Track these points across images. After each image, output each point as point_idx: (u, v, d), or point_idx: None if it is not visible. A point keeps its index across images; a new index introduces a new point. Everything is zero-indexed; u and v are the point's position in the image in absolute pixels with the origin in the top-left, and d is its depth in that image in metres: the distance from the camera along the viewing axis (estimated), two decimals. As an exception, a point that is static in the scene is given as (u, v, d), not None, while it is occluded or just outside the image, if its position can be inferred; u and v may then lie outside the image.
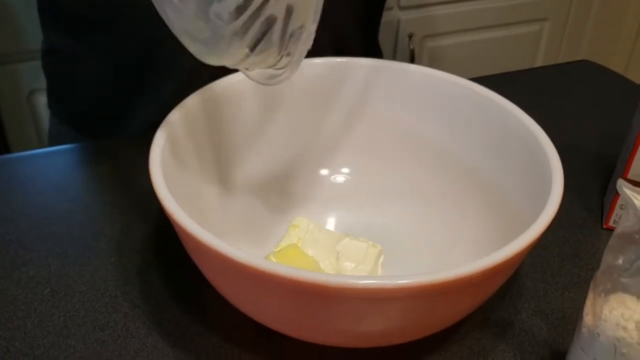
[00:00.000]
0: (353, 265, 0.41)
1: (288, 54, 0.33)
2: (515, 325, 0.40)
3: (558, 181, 0.35)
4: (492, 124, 0.42)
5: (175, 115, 0.39)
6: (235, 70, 0.43)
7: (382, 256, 0.43)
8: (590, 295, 0.33)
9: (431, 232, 0.44)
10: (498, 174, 0.42)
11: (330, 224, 0.44)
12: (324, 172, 0.48)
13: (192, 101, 0.41)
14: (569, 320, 0.41)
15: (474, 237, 0.42)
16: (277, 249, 0.41)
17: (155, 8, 0.32)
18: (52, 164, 0.53)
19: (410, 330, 0.35)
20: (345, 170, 0.48)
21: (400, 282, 0.29)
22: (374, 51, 0.69)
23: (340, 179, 0.48)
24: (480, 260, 0.31)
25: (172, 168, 0.37)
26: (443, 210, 0.44)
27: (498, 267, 0.31)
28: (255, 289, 0.32)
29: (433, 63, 1.25)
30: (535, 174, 0.38)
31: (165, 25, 0.33)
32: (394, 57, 1.24)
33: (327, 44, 0.61)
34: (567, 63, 0.75)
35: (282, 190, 0.46)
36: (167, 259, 0.43)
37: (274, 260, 0.38)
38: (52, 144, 0.66)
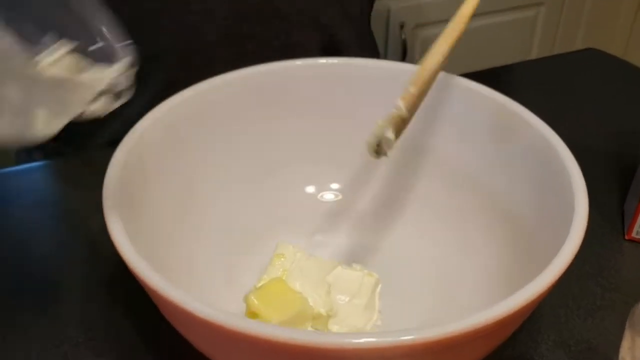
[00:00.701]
0: (347, 299, 0.36)
1: None
2: (534, 361, 0.35)
3: (582, 204, 0.30)
4: (504, 134, 0.37)
5: (131, 140, 0.34)
6: (202, 78, 0.38)
7: (380, 285, 0.37)
8: (627, 335, 0.28)
9: (434, 258, 0.39)
10: (512, 192, 0.36)
11: (319, 250, 0.39)
12: (310, 189, 0.43)
13: (148, 122, 0.35)
14: (595, 352, 0.35)
15: (483, 262, 0.37)
16: (260, 283, 0.36)
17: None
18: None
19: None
20: (334, 186, 0.43)
21: (403, 338, 0.24)
22: (369, 46, 0.64)
23: (329, 196, 0.43)
24: (496, 306, 0.25)
25: (130, 204, 0.32)
26: (448, 231, 0.39)
27: (518, 312, 0.26)
28: (234, 351, 0.27)
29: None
30: (554, 192, 0.33)
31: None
32: (385, 49, 1.18)
33: (317, 45, 0.56)
34: (570, 53, 0.69)
35: (262, 213, 0.41)
36: (135, 298, 0.38)
37: (255, 301, 0.33)
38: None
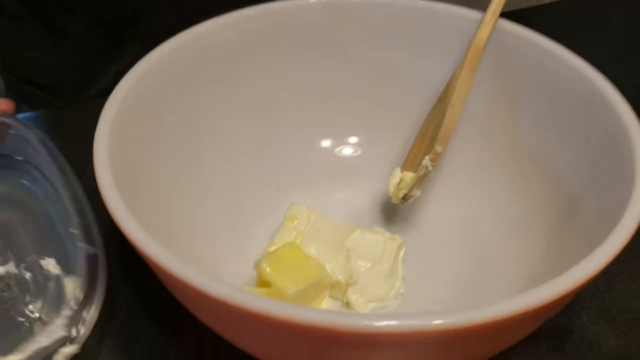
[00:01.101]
0: (368, 266, 0.32)
1: None
2: (575, 333, 0.32)
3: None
4: (546, 83, 0.32)
5: (125, 86, 0.30)
6: (204, 19, 0.34)
7: (403, 250, 0.34)
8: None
9: (463, 221, 0.35)
10: (555, 151, 0.32)
11: (337, 211, 0.35)
12: (326, 143, 0.39)
13: (142, 68, 0.31)
14: (640, 323, 0.32)
15: (519, 229, 0.33)
16: (271, 248, 0.32)
17: None
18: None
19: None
20: (353, 139, 0.39)
21: (435, 322, 0.20)
22: None
23: (347, 151, 0.39)
24: (543, 287, 0.22)
25: (125, 161, 0.28)
26: (480, 192, 0.35)
27: (566, 296, 0.22)
28: (243, 329, 0.24)
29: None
30: (607, 152, 0.29)
31: None
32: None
33: None
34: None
35: (272, 171, 0.37)
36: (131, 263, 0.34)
37: (268, 268, 0.30)
38: None
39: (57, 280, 0.28)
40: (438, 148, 0.32)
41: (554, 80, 0.32)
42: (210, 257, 0.32)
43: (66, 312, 0.27)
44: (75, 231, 0.29)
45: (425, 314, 0.21)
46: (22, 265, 0.32)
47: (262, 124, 0.37)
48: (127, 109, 0.29)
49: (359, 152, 0.39)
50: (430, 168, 0.33)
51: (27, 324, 0.29)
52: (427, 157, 0.32)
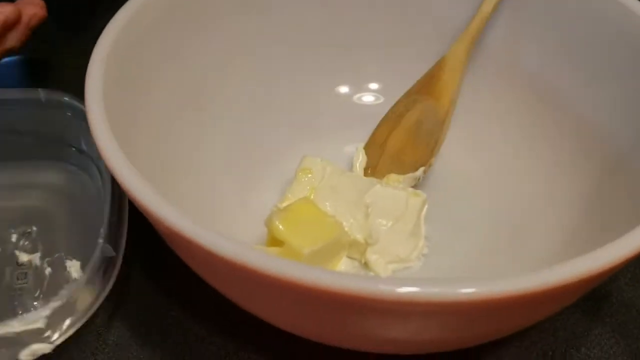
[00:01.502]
0: (389, 224, 0.29)
1: None
2: (612, 297, 0.29)
3: None
4: (587, 22, 0.29)
5: (117, 25, 0.26)
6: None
7: (426, 207, 0.31)
8: None
9: (492, 178, 0.32)
10: (597, 101, 0.29)
11: (356, 164, 0.32)
12: (344, 89, 0.35)
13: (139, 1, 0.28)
14: (682, 288, 0.30)
15: (555, 190, 0.30)
16: (283, 203, 0.30)
17: None
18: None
19: (470, 340, 0.24)
20: (373, 86, 0.36)
21: (463, 291, 0.18)
22: None
23: (367, 98, 0.36)
24: (583, 258, 0.19)
25: (121, 107, 0.25)
26: (512, 148, 0.32)
27: (610, 269, 0.20)
28: (254, 290, 0.21)
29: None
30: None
31: None
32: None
33: None
34: None
35: (284, 120, 0.33)
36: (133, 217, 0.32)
37: (280, 226, 0.27)
38: None
39: (75, 285, 0.26)
40: (433, 160, 0.32)
41: (598, 18, 0.29)
42: (214, 211, 0.30)
43: (51, 308, 0.25)
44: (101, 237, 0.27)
45: (454, 281, 0.18)
46: (47, 259, 0.30)
47: (273, 67, 0.33)
48: (122, 47, 0.26)
49: (381, 100, 0.35)
50: (421, 179, 0.32)
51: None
52: (421, 169, 0.32)
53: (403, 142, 0.32)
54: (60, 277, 0.29)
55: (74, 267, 0.29)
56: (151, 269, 0.30)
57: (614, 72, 0.28)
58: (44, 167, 0.33)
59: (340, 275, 0.18)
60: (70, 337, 0.27)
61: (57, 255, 0.30)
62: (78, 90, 0.26)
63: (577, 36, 0.29)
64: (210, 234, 0.19)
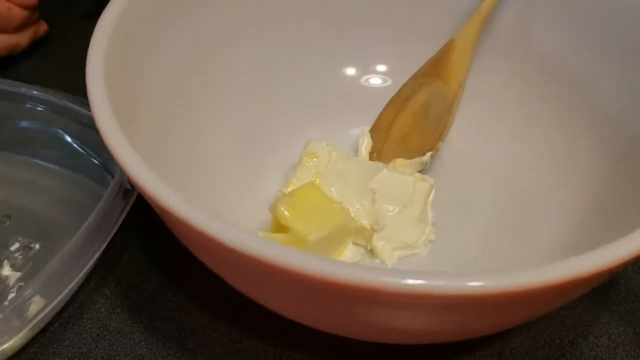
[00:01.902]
0: (396, 210, 0.29)
1: None
2: (620, 285, 0.29)
3: None
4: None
5: (117, 8, 0.25)
6: None
7: (433, 192, 0.31)
8: None
9: (500, 158, 0.32)
10: (610, 87, 0.28)
11: (361, 148, 0.32)
12: (351, 71, 0.34)
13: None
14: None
15: (559, 165, 0.30)
16: (288, 188, 0.29)
17: None
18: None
19: (477, 331, 0.23)
20: (381, 67, 0.35)
21: (472, 284, 0.17)
22: None
23: (375, 80, 0.35)
24: (597, 252, 0.19)
25: (122, 91, 0.24)
26: (524, 134, 0.31)
27: (623, 263, 0.19)
28: (258, 279, 0.21)
29: None
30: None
31: None
32: None
33: None
34: None
35: (288, 102, 0.33)
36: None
37: (286, 212, 0.26)
38: None
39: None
40: (441, 145, 0.31)
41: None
42: (219, 196, 0.29)
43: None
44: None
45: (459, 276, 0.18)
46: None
47: (278, 46, 0.32)
48: (124, 25, 0.25)
49: (389, 82, 0.34)
50: (428, 164, 0.31)
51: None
52: (428, 154, 0.31)
53: (409, 126, 0.32)
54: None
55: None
56: (154, 255, 0.30)
57: (631, 57, 0.27)
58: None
59: (346, 266, 0.18)
60: (70, 324, 0.27)
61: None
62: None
63: (594, 19, 0.29)
64: (214, 222, 0.19)
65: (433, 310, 0.20)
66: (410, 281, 0.17)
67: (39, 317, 0.25)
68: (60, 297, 0.26)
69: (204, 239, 0.19)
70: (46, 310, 0.25)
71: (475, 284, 0.17)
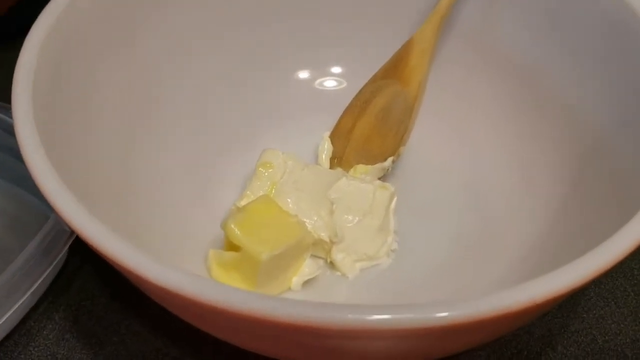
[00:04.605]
0: (356, 220, 0.27)
1: None
2: (590, 290, 0.28)
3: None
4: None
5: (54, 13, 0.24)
6: None
7: (395, 199, 0.29)
8: None
9: (462, 162, 0.30)
10: (578, 85, 0.27)
11: (321, 155, 0.30)
12: (304, 74, 0.33)
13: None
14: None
15: (524, 167, 0.29)
16: (242, 201, 0.28)
17: None
18: None
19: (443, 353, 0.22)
20: (336, 69, 0.33)
21: (439, 315, 0.17)
22: None
23: (329, 84, 0.33)
24: (566, 268, 0.18)
25: (56, 99, 0.23)
26: (488, 135, 0.30)
27: (593, 278, 0.18)
28: (200, 316, 0.20)
29: None
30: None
31: None
32: None
33: None
34: None
35: (240, 110, 0.31)
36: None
37: (237, 230, 0.25)
38: None
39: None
40: (402, 149, 0.30)
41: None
42: (168, 211, 0.28)
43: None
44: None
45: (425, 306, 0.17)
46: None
47: (225, 50, 0.31)
48: (57, 41, 0.24)
49: (344, 84, 0.33)
50: (390, 169, 0.30)
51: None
52: (390, 159, 0.30)
53: (370, 131, 0.30)
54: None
55: None
56: (104, 278, 0.28)
57: (600, 53, 0.26)
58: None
59: (298, 305, 0.17)
60: (15, 352, 0.26)
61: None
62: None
63: (563, 14, 0.27)
64: (140, 258, 0.17)
65: (390, 341, 0.19)
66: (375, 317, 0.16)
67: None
68: (-1, 324, 0.24)
69: (133, 277, 0.18)
70: None
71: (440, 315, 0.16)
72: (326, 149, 0.30)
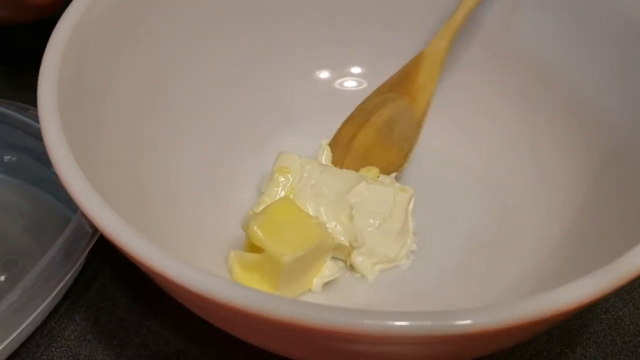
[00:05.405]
0: (376, 224, 0.28)
1: None
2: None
3: None
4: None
5: (71, 23, 0.24)
6: None
7: (413, 200, 0.29)
8: None
9: (480, 162, 0.30)
10: (595, 84, 0.27)
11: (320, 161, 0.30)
12: (324, 75, 0.33)
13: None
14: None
15: (544, 168, 0.29)
16: (259, 207, 0.28)
17: None
18: None
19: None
20: (356, 70, 0.33)
21: (459, 323, 0.17)
22: None
23: (349, 84, 0.33)
24: (591, 277, 0.18)
25: (78, 105, 0.23)
26: (507, 134, 0.30)
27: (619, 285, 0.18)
28: (224, 318, 0.20)
29: None
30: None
31: None
32: None
33: None
34: None
35: (258, 111, 0.31)
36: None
37: (259, 231, 0.25)
38: None
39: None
40: (406, 165, 0.30)
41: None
42: (186, 213, 0.28)
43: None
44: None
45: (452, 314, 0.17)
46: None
47: (245, 52, 0.31)
48: (76, 50, 0.24)
49: (364, 85, 0.33)
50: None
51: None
52: (393, 175, 0.29)
53: (372, 142, 0.30)
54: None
55: None
56: (125, 280, 0.28)
57: (619, 53, 0.26)
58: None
59: (321, 310, 0.17)
60: (38, 353, 0.26)
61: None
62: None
63: (587, 16, 0.27)
64: (165, 259, 0.18)
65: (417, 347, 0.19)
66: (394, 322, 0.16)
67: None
68: (21, 328, 0.25)
69: (159, 278, 0.18)
70: (6, 342, 0.24)
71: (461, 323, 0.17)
72: (325, 157, 0.30)
